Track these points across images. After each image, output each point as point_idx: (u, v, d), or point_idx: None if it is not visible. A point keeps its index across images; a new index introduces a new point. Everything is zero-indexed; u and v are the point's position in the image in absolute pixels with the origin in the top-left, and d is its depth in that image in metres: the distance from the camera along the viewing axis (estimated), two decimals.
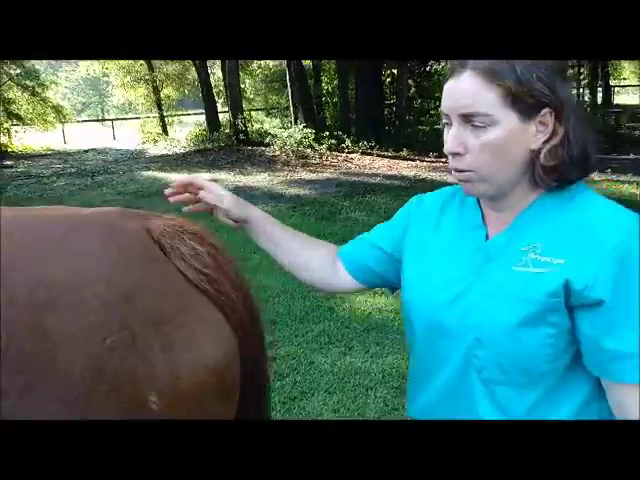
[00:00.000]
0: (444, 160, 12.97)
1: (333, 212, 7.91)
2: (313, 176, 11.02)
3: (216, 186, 1.20)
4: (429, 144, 13.65)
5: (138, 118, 21.31)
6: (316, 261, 1.27)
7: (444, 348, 1.06)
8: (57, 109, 19.23)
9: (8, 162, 14.38)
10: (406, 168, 12.07)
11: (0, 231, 0.76)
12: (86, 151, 16.42)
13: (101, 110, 39.33)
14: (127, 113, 25.80)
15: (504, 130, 0.94)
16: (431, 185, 10.21)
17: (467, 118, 0.96)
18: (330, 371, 3.41)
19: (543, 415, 0.99)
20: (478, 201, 1.09)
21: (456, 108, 0.97)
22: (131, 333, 0.75)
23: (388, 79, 16.45)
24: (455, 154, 0.99)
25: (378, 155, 13.54)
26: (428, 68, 15.52)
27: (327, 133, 13.79)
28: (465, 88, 0.96)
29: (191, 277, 0.89)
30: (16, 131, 18.10)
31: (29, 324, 0.70)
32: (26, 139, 17.90)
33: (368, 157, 13.38)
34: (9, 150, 16.53)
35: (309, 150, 13.15)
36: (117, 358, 0.73)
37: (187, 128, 18.63)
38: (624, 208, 0.98)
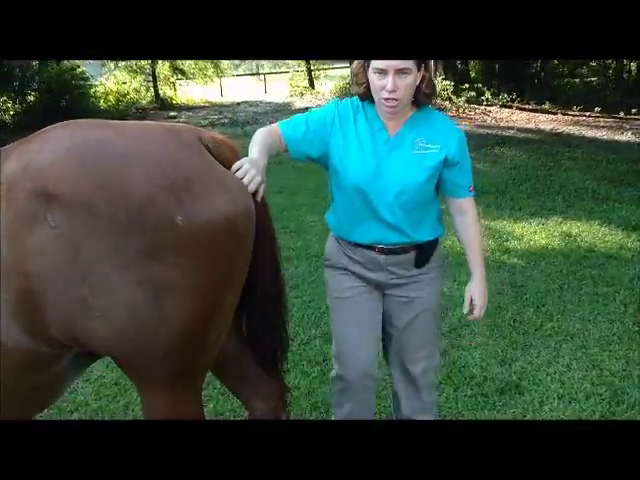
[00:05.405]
0: (587, 114, 12.37)
1: None
2: None
3: (257, 163, 1.71)
4: (576, 97, 13.07)
5: (287, 72, 22.39)
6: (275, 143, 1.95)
7: (366, 203, 1.91)
8: (216, 64, 20.79)
9: (172, 113, 16.10)
10: (545, 122, 11.75)
11: (128, 132, 1.44)
12: (239, 104, 17.76)
13: (256, 65, 41.31)
14: (280, 68, 27.05)
15: (414, 76, 1.79)
16: (567, 139, 9.87)
17: (401, 71, 1.74)
18: None
19: (423, 214, 1.96)
20: (376, 113, 1.90)
21: (395, 65, 1.73)
22: (171, 183, 1.34)
23: None
24: (393, 91, 1.77)
25: (518, 108, 13.25)
26: None
27: (467, 85, 13.68)
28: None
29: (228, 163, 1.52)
30: (180, 85, 20.03)
31: (119, 168, 1.34)
32: (188, 92, 19.75)
33: (507, 110, 13.14)
34: (174, 102, 18.41)
35: (447, 102, 13.20)
36: (159, 192, 1.32)
37: (333, 82, 19.27)
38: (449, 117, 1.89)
